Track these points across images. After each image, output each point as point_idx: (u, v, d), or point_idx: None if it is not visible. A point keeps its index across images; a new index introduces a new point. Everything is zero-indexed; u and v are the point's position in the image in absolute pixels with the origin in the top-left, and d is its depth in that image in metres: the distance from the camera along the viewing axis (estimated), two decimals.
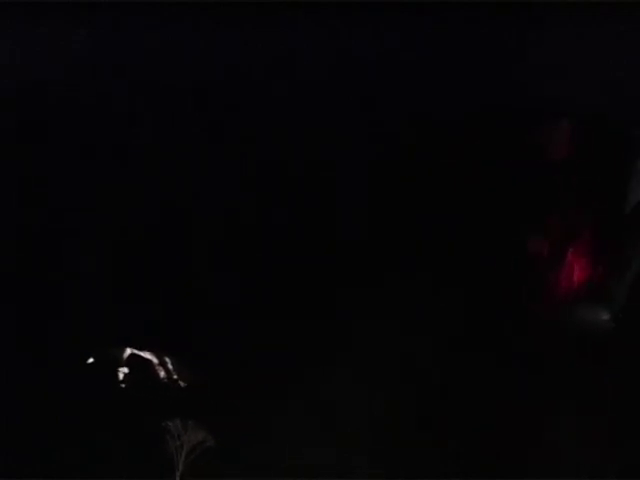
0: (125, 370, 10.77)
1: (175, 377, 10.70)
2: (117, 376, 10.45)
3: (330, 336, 22.21)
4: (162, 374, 10.69)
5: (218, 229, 23.08)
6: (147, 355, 10.95)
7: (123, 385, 10.52)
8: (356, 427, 23.48)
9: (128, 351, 11.13)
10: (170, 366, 10.76)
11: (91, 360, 10.79)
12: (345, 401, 20.15)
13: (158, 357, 10.79)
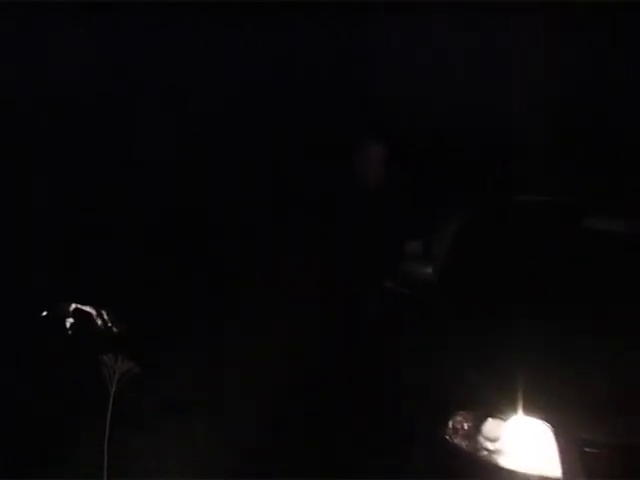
0: (71, 320, 11.51)
1: (110, 324, 11.40)
2: (64, 324, 11.19)
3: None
4: (99, 322, 11.37)
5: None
6: (88, 308, 11.65)
7: (70, 332, 11.28)
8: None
9: (73, 305, 11.86)
10: (106, 316, 11.48)
11: (45, 313, 11.55)
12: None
13: (96, 310, 11.52)
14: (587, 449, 3.17)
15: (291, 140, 7.41)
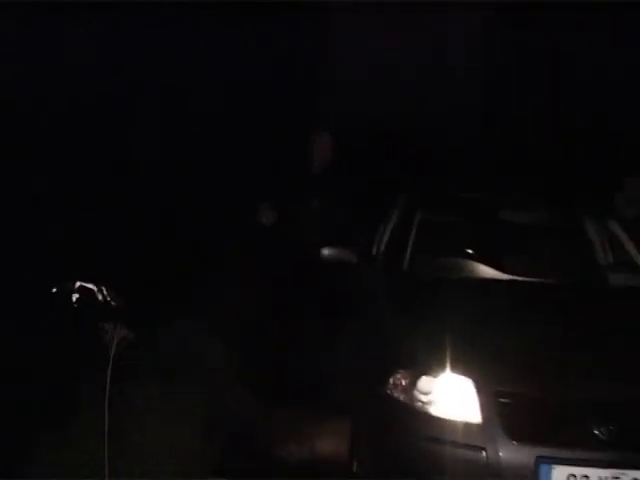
0: (76, 295, 12.05)
1: (108, 299, 11.94)
2: (71, 299, 11.74)
3: None
4: (100, 297, 11.89)
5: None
6: (90, 285, 12.16)
7: (75, 305, 11.84)
8: None
9: (78, 283, 12.39)
10: (105, 292, 12.03)
11: (54, 290, 12.13)
12: None
13: (97, 286, 12.05)
14: (501, 399, 3.80)
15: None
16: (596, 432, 3.67)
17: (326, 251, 5.20)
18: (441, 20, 9.17)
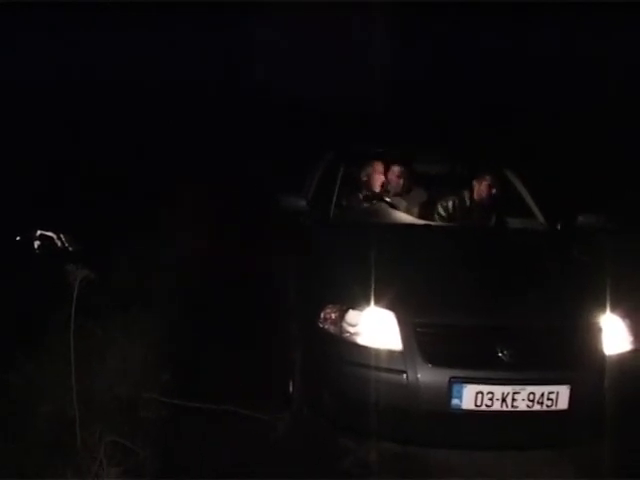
0: (38, 242, 12.56)
1: (66, 245, 12.42)
2: (33, 246, 12.24)
3: None
4: (59, 244, 12.35)
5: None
6: (49, 233, 12.63)
7: (37, 251, 12.34)
8: None
9: (39, 232, 12.84)
10: (63, 238, 12.51)
11: (18, 238, 12.64)
12: None
13: (56, 234, 12.51)
14: (418, 329, 4.28)
15: None
16: (499, 355, 4.17)
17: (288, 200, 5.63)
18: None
